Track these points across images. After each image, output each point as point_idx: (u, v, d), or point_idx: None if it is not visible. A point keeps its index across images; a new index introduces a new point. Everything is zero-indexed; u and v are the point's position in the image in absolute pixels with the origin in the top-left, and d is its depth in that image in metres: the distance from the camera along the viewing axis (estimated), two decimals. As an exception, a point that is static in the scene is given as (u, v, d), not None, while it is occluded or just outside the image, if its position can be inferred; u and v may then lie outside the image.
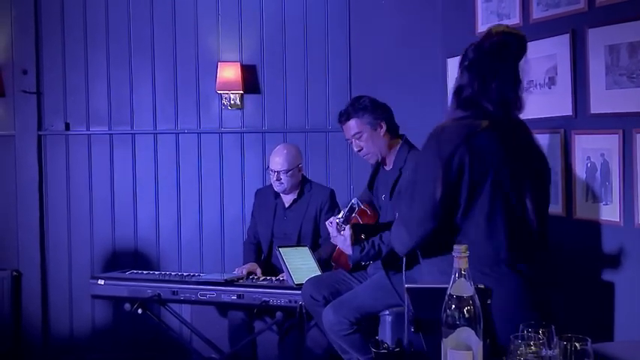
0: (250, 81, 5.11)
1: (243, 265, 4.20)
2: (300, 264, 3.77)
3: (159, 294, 3.94)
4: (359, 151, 3.42)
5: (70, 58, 5.07)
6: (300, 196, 4.19)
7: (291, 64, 5.15)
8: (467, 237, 2.07)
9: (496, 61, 2.17)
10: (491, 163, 2.09)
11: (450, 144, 2.09)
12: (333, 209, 4.04)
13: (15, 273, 5.03)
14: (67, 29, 5.06)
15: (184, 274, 4.22)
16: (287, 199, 4.22)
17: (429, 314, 1.67)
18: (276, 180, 4.12)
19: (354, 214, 3.28)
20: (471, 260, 1.55)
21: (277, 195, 4.23)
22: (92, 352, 5.07)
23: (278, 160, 4.10)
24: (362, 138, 3.38)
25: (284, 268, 3.79)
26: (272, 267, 4.16)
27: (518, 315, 1.84)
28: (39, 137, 5.04)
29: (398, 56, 4.58)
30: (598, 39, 2.99)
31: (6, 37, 5.03)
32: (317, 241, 4.11)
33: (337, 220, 3.26)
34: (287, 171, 4.09)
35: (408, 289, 1.82)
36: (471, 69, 2.20)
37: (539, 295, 2.13)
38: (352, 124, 3.39)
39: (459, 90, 2.22)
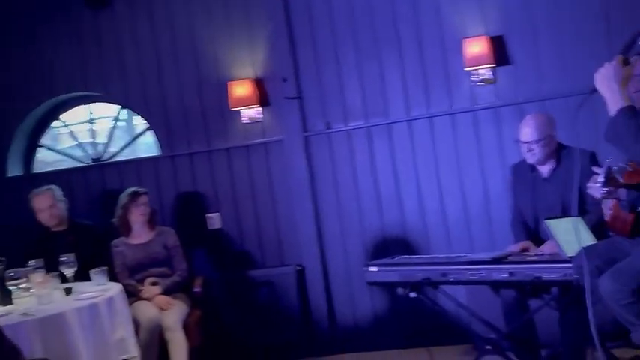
0: (499, 53, 4.92)
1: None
2: (570, 235, 3.55)
3: (428, 277, 3.98)
4: None
5: (322, 61, 5.33)
6: (557, 164, 3.97)
7: (541, 31, 4.84)
8: None
9: None
10: None
11: None
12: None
13: (298, 267, 5.40)
14: (315, 34, 5.32)
15: (451, 255, 4.21)
16: (544, 171, 4.01)
17: None
18: (528, 151, 3.96)
19: (613, 175, 3.01)
20: None
21: (533, 168, 4.04)
22: (376, 336, 5.27)
23: (527, 131, 3.94)
24: None
25: (554, 241, 3.62)
26: (541, 242, 3.98)
27: None
28: (304, 138, 5.37)
29: None
30: None
31: (265, 51, 5.44)
32: (584, 209, 3.84)
33: (597, 185, 3.05)
34: (538, 141, 3.90)
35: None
36: None
37: None
38: None
39: None
